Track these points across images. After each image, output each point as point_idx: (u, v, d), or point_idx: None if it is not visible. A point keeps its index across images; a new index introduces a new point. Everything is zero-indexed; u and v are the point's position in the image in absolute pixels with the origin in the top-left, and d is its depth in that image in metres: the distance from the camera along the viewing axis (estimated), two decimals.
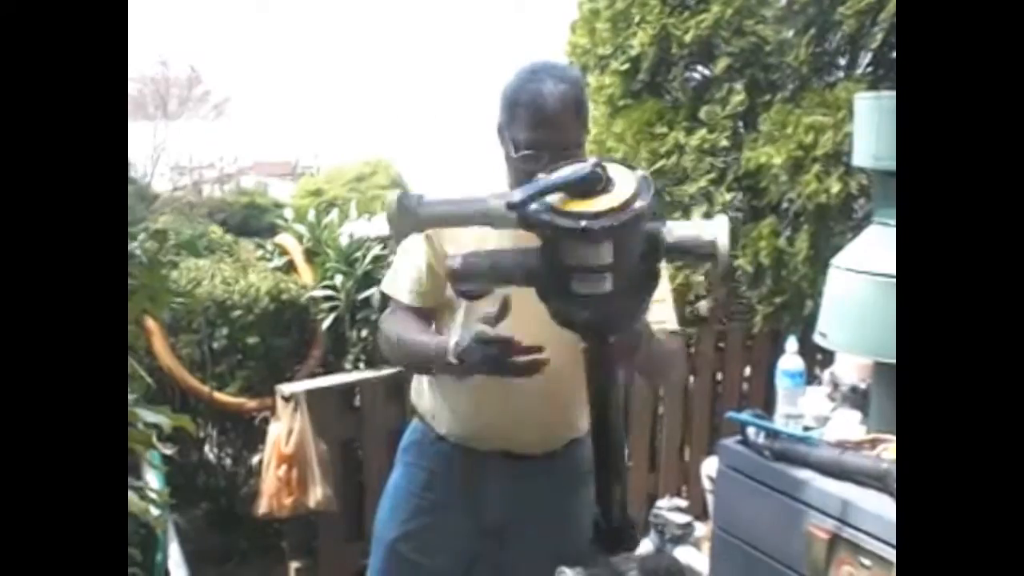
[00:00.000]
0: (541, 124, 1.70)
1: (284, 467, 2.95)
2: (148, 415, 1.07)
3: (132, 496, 1.23)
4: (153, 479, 2.46)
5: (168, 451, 2.65)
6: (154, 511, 2.19)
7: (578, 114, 1.74)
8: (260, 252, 3.65)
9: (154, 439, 1.10)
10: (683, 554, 2.00)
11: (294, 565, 3.26)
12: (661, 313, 1.77)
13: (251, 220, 3.98)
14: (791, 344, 2.33)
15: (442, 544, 1.91)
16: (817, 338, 2.30)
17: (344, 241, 3.38)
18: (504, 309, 1.53)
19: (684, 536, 2.19)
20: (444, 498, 1.91)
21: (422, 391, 1.97)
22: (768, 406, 2.59)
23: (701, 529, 2.15)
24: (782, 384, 2.30)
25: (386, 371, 3.21)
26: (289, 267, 3.53)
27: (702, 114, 3.69)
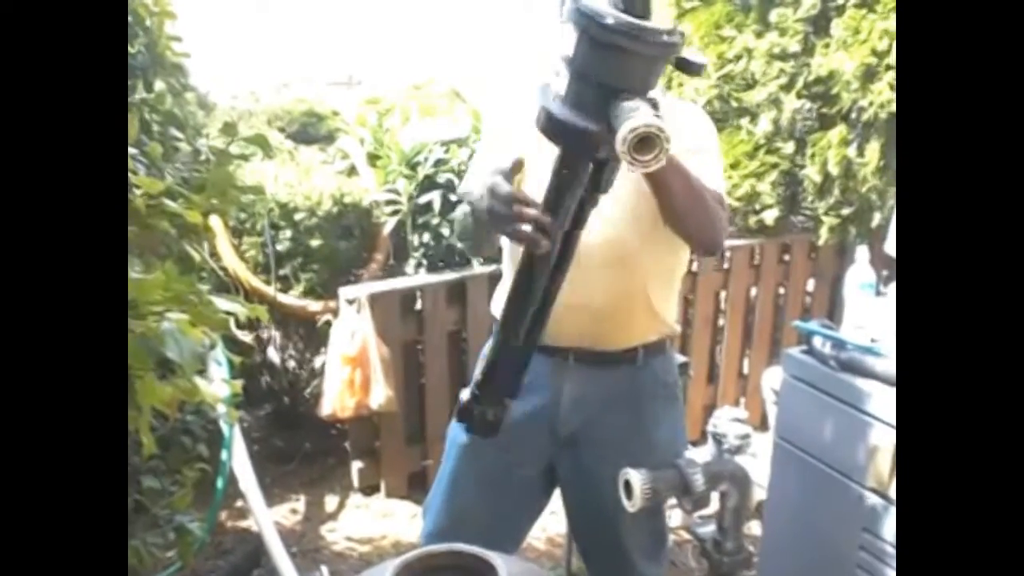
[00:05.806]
0: None
1: (347, 369, 2.99)
2: (223, 303, 1.08)
3: (203, 386, 1.24)
4: (219, 374, 2.51)
5: (247, 337, 2.62)
6: (221, 408, 2.22)
7: None
8: (322, 157, 3.64)
9: (231, 324, 1.10)
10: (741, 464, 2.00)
11: (356, 465, 3.33)
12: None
13: (310, 128, 3.95)
14: (862, 253, 2.27)
15: (515, 444, 1.87)
16: (889, 249, 2.25)
17: (406, 145, 3.35)
18: (518, 164, 1.42)
19: (742, 447, 2.19)
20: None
21: (500, 299, 1.92)
22: (831, 319, 2.54)
23: (759, 441, 2.14)
24: (852, 294, 2.25)
25: (448, 275, 3.23)
26: (351, 171, 3.53)
27: (772, 17, 3.57)
